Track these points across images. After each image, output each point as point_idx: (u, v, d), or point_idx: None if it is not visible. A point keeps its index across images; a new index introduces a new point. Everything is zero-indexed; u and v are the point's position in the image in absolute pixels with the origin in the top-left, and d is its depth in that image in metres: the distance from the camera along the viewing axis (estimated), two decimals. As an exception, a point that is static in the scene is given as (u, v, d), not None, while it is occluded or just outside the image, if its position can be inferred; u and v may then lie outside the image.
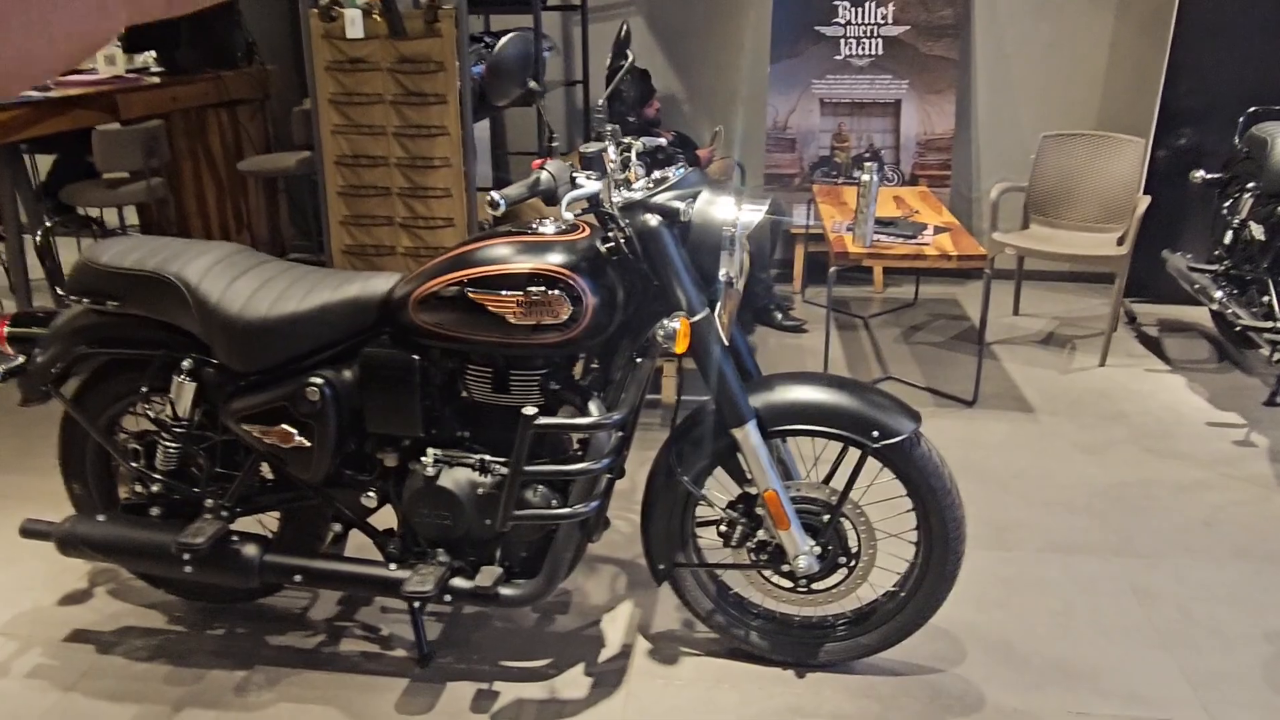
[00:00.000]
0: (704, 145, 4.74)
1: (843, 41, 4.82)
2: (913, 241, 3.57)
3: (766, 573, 2.08)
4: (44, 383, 2.12)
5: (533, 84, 1.56)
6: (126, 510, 2.20)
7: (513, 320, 1.81)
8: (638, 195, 1.82)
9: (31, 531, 2.14)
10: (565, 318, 1.80)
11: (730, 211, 1.82)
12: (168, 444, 2.09)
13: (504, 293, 1.80)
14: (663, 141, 2.09)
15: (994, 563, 2.62)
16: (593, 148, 1.70)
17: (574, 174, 1.69)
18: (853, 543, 2.04)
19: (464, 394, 2.00)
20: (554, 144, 1.74)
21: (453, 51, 2.94)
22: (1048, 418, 3.52)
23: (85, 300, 2.05)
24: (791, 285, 4.98)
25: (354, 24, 2.93)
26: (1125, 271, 3.93)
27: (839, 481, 2.01)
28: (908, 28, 4.77)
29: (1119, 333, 4.38)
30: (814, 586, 2.09)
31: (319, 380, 1.94)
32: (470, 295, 1.82)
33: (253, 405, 1.98)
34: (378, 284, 1.97)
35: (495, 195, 1.51)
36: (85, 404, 2.18)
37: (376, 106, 3.03)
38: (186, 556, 1.98)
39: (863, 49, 4.82)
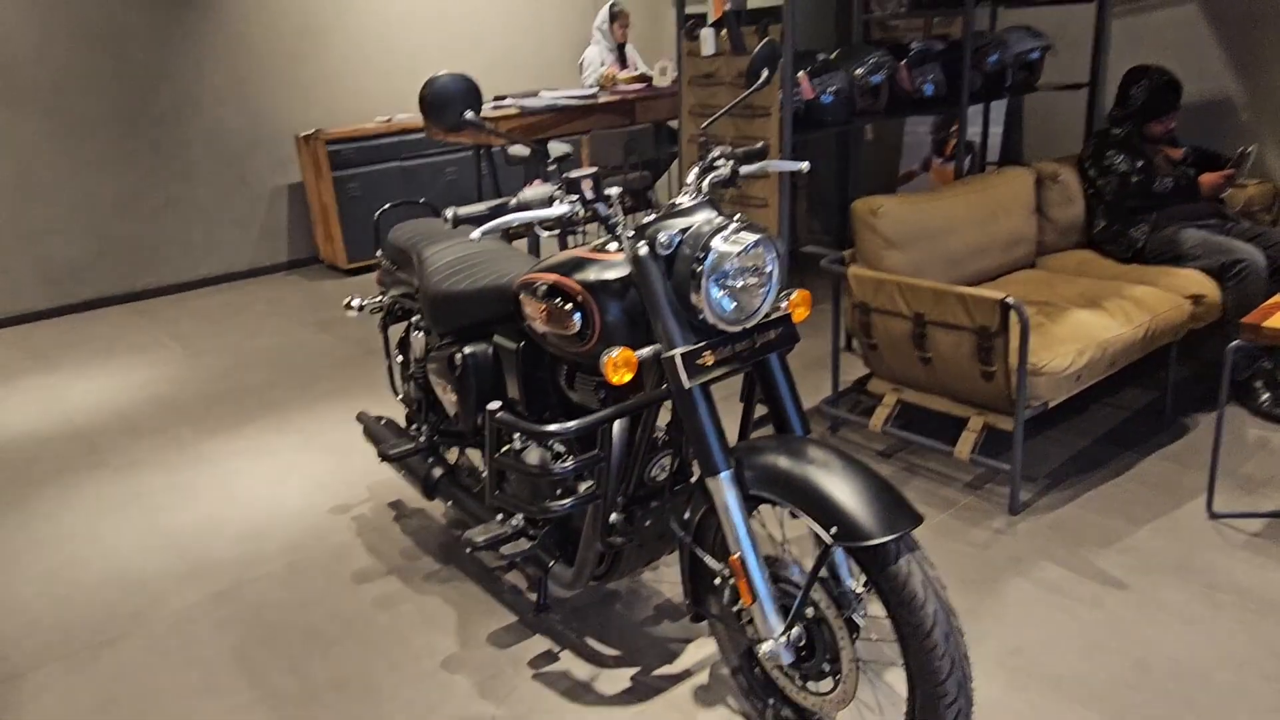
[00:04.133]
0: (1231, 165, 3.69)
1: None
2: (1396, 325, 2.41)
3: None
4: (383, 316, 2.95)
5: (469, 114, 1.69)
6: (407, 420, 2.95)
7: (540, 327, 1.98)
8: (647, 219, 1.80)
9: (360, 418, 3.03)
10: (573, 332, 1.90)
11: (708, 242, 1.68)
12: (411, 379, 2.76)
13: (535, 300, 1.97)
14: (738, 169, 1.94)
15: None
16: (578, 173, 1.75)
17: (555, 195, 1.77)
18: (840, 647, 1.72)
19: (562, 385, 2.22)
20: (550, 167, 1.82)
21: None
22: None
23: (388, 263, 2.81)
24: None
25: (707, 41, 3.18)
26: None
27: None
28: None
29: None
30: (808, 685, 1.81)
31: (467, 350, 2.36)
32: (522, 297, 2.04)
33: (433, 360, 2.50)
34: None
35: (449, 211, 1.72)
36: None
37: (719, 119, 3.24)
38: (378, 458, 2.64)
39: None
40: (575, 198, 1.77)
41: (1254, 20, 3.98)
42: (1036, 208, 3.67)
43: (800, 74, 3.31)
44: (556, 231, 1.95)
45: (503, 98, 5.24)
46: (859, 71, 3.50)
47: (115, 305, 5.91)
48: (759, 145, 2.11)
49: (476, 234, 1.66)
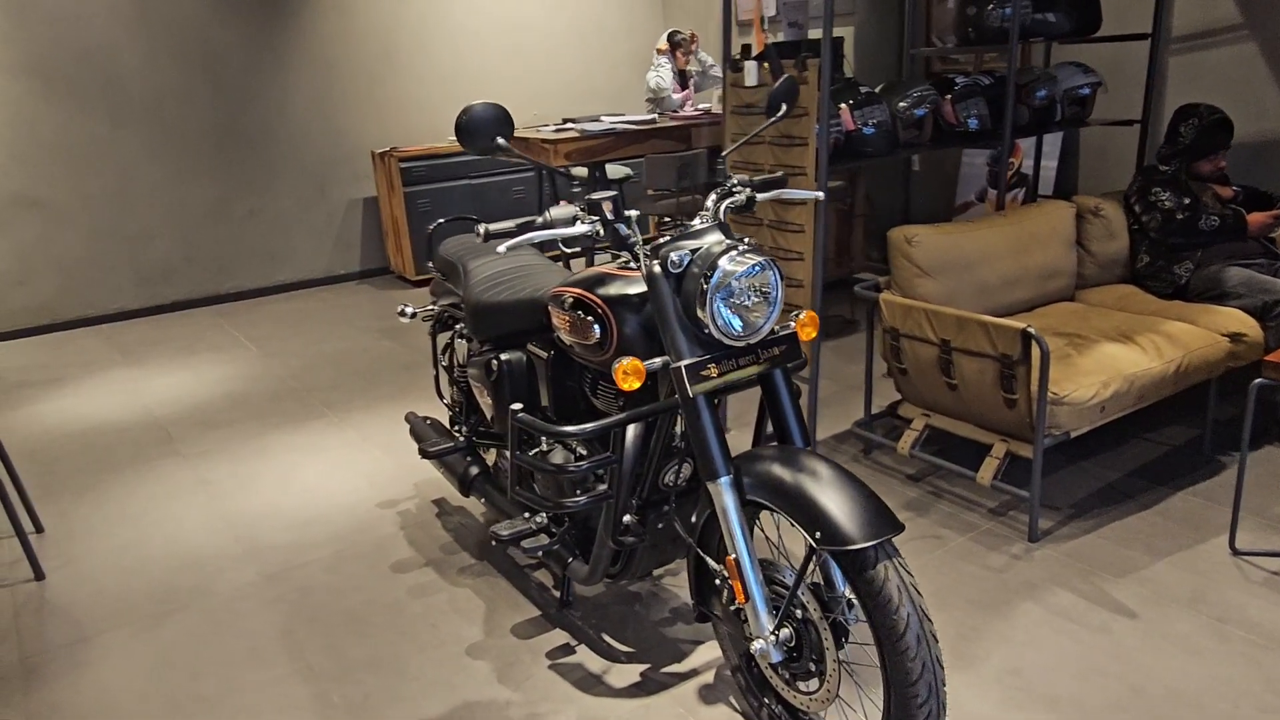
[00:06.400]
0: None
1: None
2: None
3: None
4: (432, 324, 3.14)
5: (500, 140, 1.85)
6: (450, 422, 3.13)
7: (565, 336, 2.14)
8: (663, 239, 1.94)
9: (408, 419, 3.22)
10: (593, 342, 2.05)
11: (715, 262, 1.81)
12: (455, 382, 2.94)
13: (562, 311, 2.13)
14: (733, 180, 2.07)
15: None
16: (599, 195, 1.90)
17: (578, 215, 1.92)
18: (825, 648, 1.81)
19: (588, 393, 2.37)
20: (575, 189, 1.97)
21: (815, 99, 3.11)
22: None
23: (439, 275, 3.00)
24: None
25: (750, 74, 3.32)
26: None
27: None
28: None
29: None
30: (797, 684, 1.91)
31: (504, 356, 2.53)
32: (550, 308, 2.19)
33: (473, 365, 2.68)
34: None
35: (481, 226, 1.88)
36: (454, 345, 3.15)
37: (759, 147, 3.37)
38: (419, 455, 2.82)
39: None
40: (596, 218, 1.93)
41: (1315, 59, 3.94)
42: (1077, 241, 3.70)
43: (842, 106, 3.42)
44: (577, 249, 2.10)
45: (574, 120, 5.45)
46: (902, 105, 3.59)
47: (200, 307, 6.29)
48: (778, 174, 2.24)
49: (502, 248, 1.83)
